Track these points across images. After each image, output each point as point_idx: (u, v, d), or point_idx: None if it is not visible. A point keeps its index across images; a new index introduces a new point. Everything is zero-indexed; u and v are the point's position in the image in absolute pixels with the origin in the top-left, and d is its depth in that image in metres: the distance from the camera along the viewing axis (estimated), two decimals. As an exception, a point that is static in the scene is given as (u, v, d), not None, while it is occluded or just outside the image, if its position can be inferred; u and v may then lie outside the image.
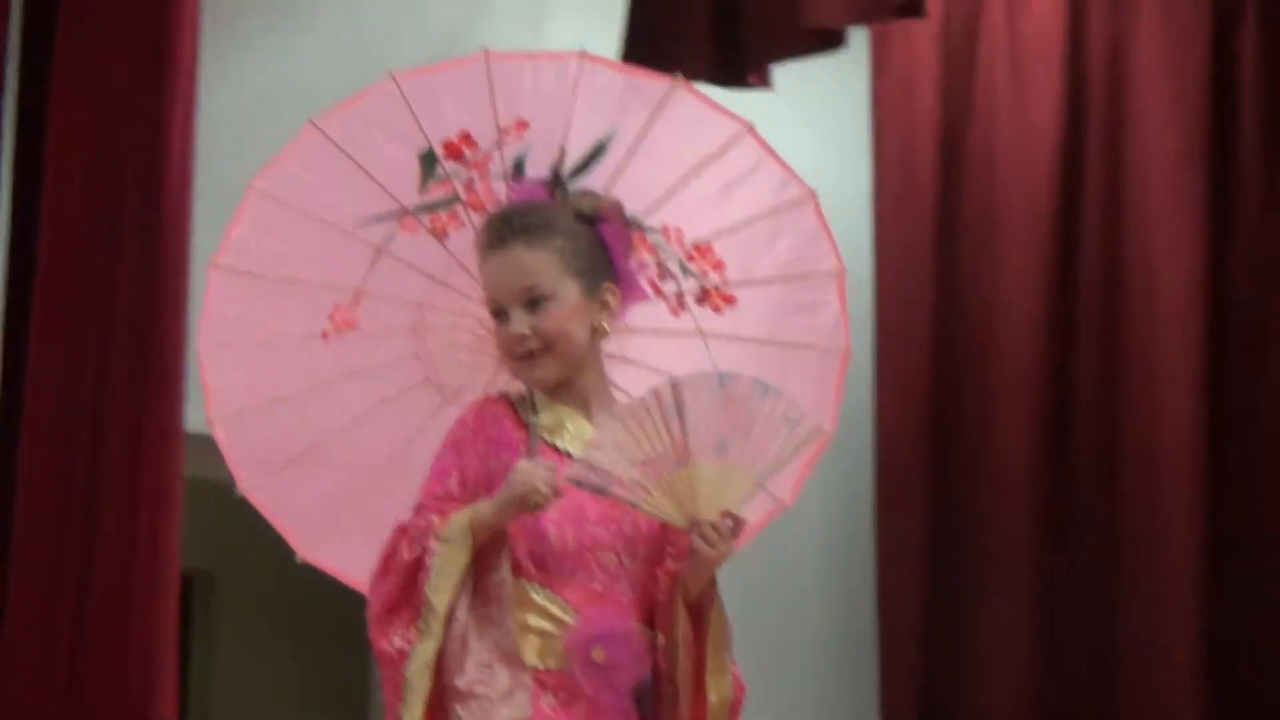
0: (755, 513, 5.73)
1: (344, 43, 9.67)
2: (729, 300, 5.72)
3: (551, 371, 5.37)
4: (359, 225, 5.63)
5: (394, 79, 5.75)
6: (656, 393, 5.24)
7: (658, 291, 5.70)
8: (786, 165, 5.80)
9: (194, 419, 8.22)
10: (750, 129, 5.71)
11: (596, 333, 5.44)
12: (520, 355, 5.36)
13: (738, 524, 5.22)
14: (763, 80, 8.93)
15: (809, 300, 5.80)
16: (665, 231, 5.69)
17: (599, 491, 5.26)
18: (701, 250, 5.71)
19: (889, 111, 9.95)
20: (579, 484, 5.22)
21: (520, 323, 5.34)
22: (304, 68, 9.58)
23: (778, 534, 6.12)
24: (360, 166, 5.73)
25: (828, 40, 8.74)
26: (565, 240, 5.40)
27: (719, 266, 5.72)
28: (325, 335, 5.75)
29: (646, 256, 5.68)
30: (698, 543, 5.18)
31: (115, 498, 8.46)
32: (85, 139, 8.65)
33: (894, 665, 9.97)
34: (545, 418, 5.40)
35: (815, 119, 9.93)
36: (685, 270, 5.71)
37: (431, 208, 5.67)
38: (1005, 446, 9.99)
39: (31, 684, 8.46)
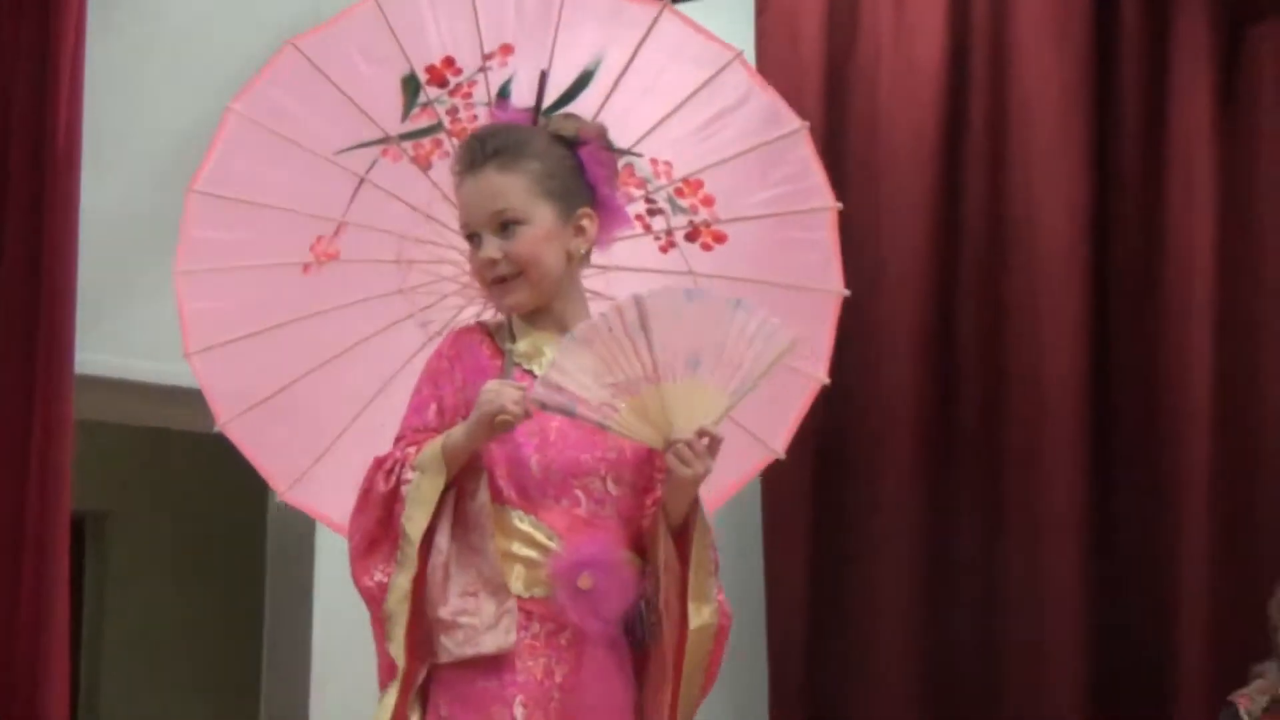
0: (751, 462, 6.03)
1: (223, 17, 9.70)
2: (719, 238, 5.75)
3: (524, 296, 5.37)
4: (340, 152, 5.66)
5: None
6: (619, 309, 5.22)
7: (646, 228, 5.76)
8: (777, 95, 5.83)
9: (86, 361, 8.64)
10: (740, 56, 5.74)
11: (572, 258, 5.43)
12: (492, 280, 5.37)
13: (714, 441, 5.20)
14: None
15: (801, 238, 5.85)
16: (654, 164, 5.73)
17: (564, 412, 5.24)
18: (691, 185, 5.74)
19: (773, 48, 9.92)
20: (543, 406, 5.20)
21: (491, 247, 5.33)
22: (184, 44, 9.60)
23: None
24: (341, 90, 5.74)
25: None
26: (540, 163, 5.38)
27: (709, 202, 5.76)
28: (306, 268, 5.80)
29: (635, 191, 5.73)
30: (673, 462, 5.19)
31: (6, 440, 8.52)
32: None
33: (782, 677, 10.03)
34: (522, 344, 5.39)
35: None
36: (675, 206, 5.75)
37: (415, 135, 5.69)
38: (891, 409, 9.96)
39: None
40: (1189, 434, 9.81)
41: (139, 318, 9.22)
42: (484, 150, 5.40)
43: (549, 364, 5.29)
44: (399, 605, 5.29)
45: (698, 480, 5.25)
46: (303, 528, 9.64)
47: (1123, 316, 9.94)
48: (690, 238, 5.75)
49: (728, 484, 6.02)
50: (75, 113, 8.68)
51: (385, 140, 5.63)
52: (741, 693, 9.74)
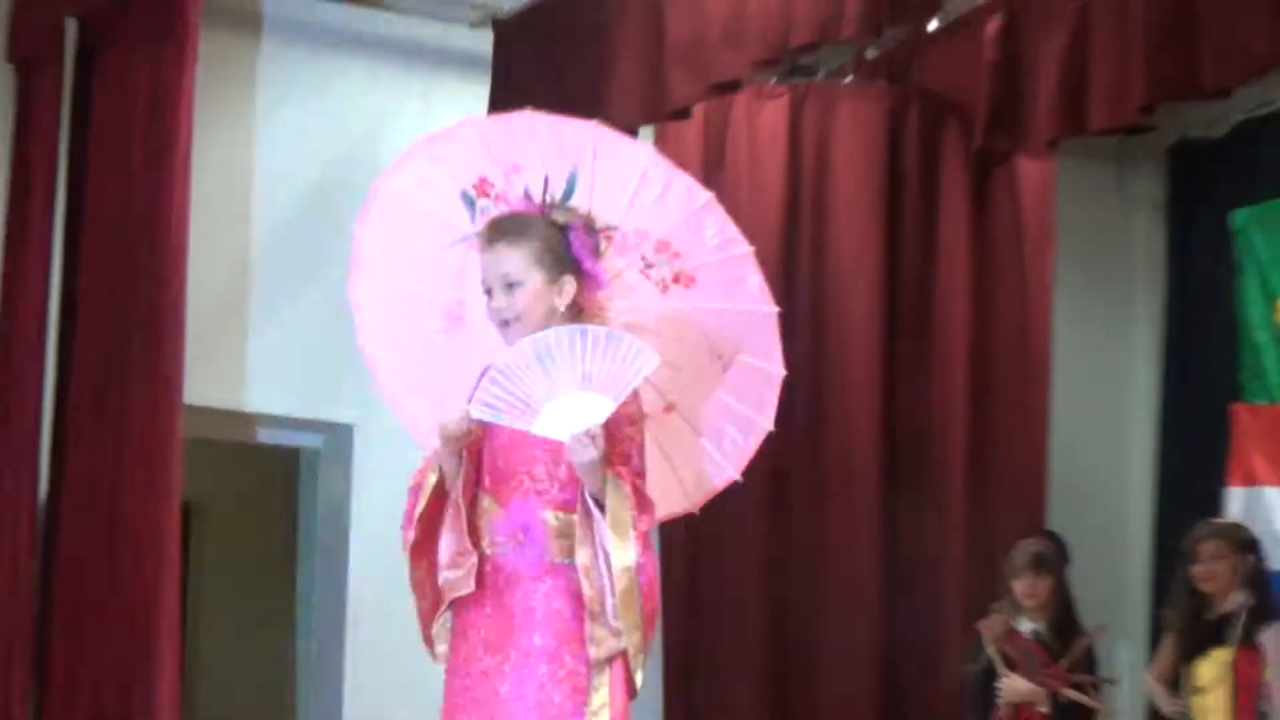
0: (714, 483, 5.93)
1: (294, 133, 9.52)
2: (691, 280, 5.68)
3: (519, 335, 5.43)
4: (450, 244, 5.71)
5: (425, 142, 5.82)
6: (532, 342, 5.30)
7: (648, 278, 5.69)
8: (687, 175, 5.80)
9: (190, 394, 8.71)
10: (653, 150, 5.79)
11: (555, 310, 5.47)
12: (499, 323, 5.47)
13: (595, 435, 5.22)
14: None
15: (738, 275, 5.73)
16: (635, 233, 5.67)
17: (495, 420, 5.34)
18: (661, 244, 5.67)
19: None
20: (480, 418, 5.33)
21: (500, 300, 5.45)
22: (262, 155, 9.44)
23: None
24: (424, 210, 5.78)
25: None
26: (537, 242, 5.47)
27: (677, 256, 5.69)
28: (444, 331, 5.87)
29: (629, 254, 5.69)
30: (574, 449, 5.25)
31: (133, 446, 8.52)
32: (111, 203, 8.69)
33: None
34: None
35: None
36: (659, 261, 5.69)
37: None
38: None
39: (79, 581, 8.51)
40: (951, 459, 9.87)
41: (226, 363, 9.28)
42: (499, 231, 5.52)
43: (481, 383, 5.40)
44: (406, 558, 5.56)
45: (591, 462, 5.28)
46: (339, 512, 9.69)
47: (905, 369, 9.87)
48: (675, 281, 5.67)
49: (707, 492, 6.03)
50: (183, 228, 8.66)
51: (467, 237, 5.64)
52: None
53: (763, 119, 9.84)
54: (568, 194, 5.66)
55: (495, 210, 5.69)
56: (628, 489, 5.38)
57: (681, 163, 9.06)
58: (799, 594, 9.71)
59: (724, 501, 8.85)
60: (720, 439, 5.96)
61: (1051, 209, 10.10)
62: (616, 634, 5.39)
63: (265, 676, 11.22)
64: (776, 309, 5.82)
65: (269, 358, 9.46)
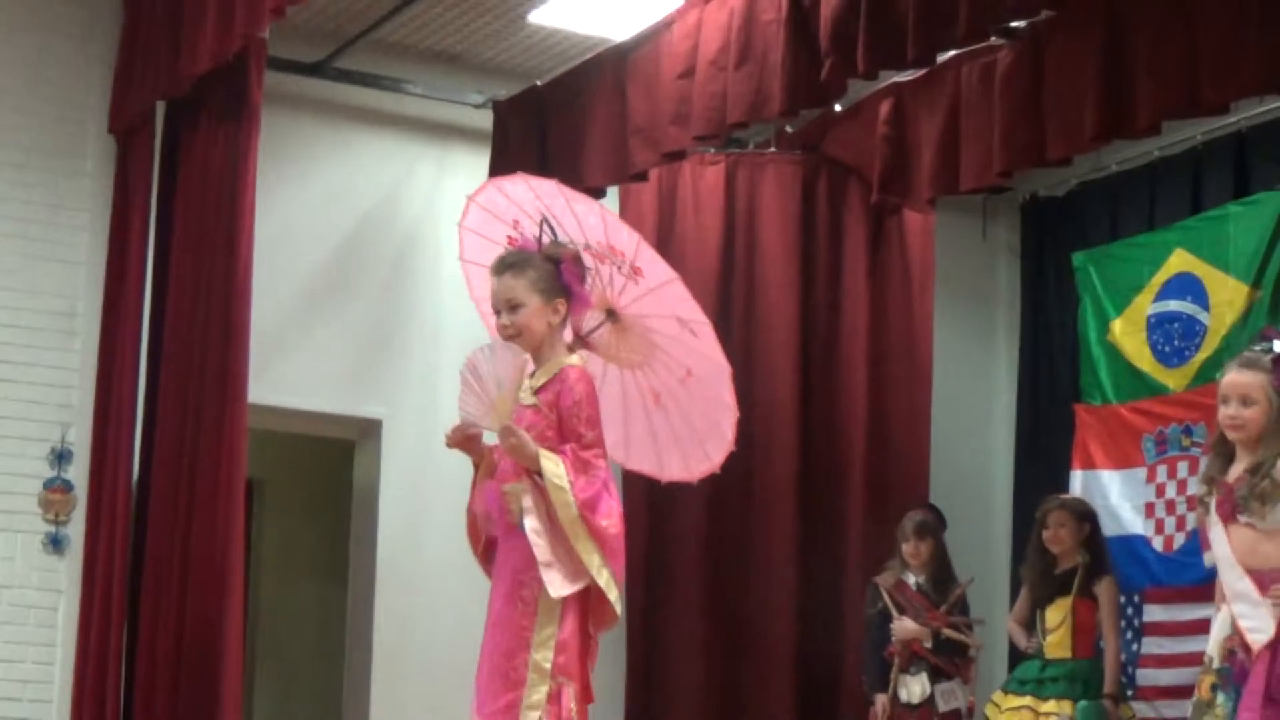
0: (702, 470, 6.15)
1: (333, 192, 9.56)
2: (640, 270, 5.84)
3: (524, 347, 5.58)
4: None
5: (473, 201, 6.10)
6: (467, 362, 5.54)
7: (621, 274, 5.85)
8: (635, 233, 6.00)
9: (253, 394, 8.58)
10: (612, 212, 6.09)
11: (551, 326, 5.60)
12: (506, 337, 5.61)
13: (505, 430, 5.42)
14: None
15: (652, 257, 5.87)
16: (599, 245, 5.85)
17: (475, 426, 5.58)
18: (612, 249, 5.84)
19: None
20: (468, 424, 5.57)
21: (505, 319, 5.60)
22: (308, 208, 9.49)
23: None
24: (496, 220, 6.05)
25: (596, 193, 8.33)
26: (534, 271, 5.59)
27: (623, 255, 5.84)
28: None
29: (604, 260, 5.85)
30: (502, 440, 5.47)
31: (208, 435, 8.43)
32: (192, 245, 8.67)
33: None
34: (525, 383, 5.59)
35: None
36: (619, 263, 5.85)
37: None
38: None
39: (166, 544, 8.48)
40: (853, 448, 9.79)
41: (282, 371, 9.26)
42: (504, 263, 5.67)
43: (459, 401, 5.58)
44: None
45: (510, 449, 5.45)
46: (371, 490, 9.62)
47: (817, 377, 9.81)
48: (635, 272, 5.82)
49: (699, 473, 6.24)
50: (248, 261, 8.44)
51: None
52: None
53: (704, 181, 9.81)
54: (554, 233, 5.80)
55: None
56: (562, 459, 5.45)
57: (639, 215, 9.39)
58: (732, 561, 9.63)
59: (676, 510, 9.11)
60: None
61: (931, 251, 10.06)
62: (575, 577, 5.43)
63: (317, 620, 11.15)
64: (675, 275, 5.95)
65: (315, 365, 9.46)
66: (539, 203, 5.96)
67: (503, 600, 5.58)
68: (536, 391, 5.63)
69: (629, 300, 5.99)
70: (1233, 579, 5.90)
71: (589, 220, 5.94)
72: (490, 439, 5.75)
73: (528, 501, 5.48)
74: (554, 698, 5.47)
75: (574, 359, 5.72)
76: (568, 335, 5.88)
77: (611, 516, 5.56)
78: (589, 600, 5.57)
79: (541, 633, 5.50)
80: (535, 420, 5.58)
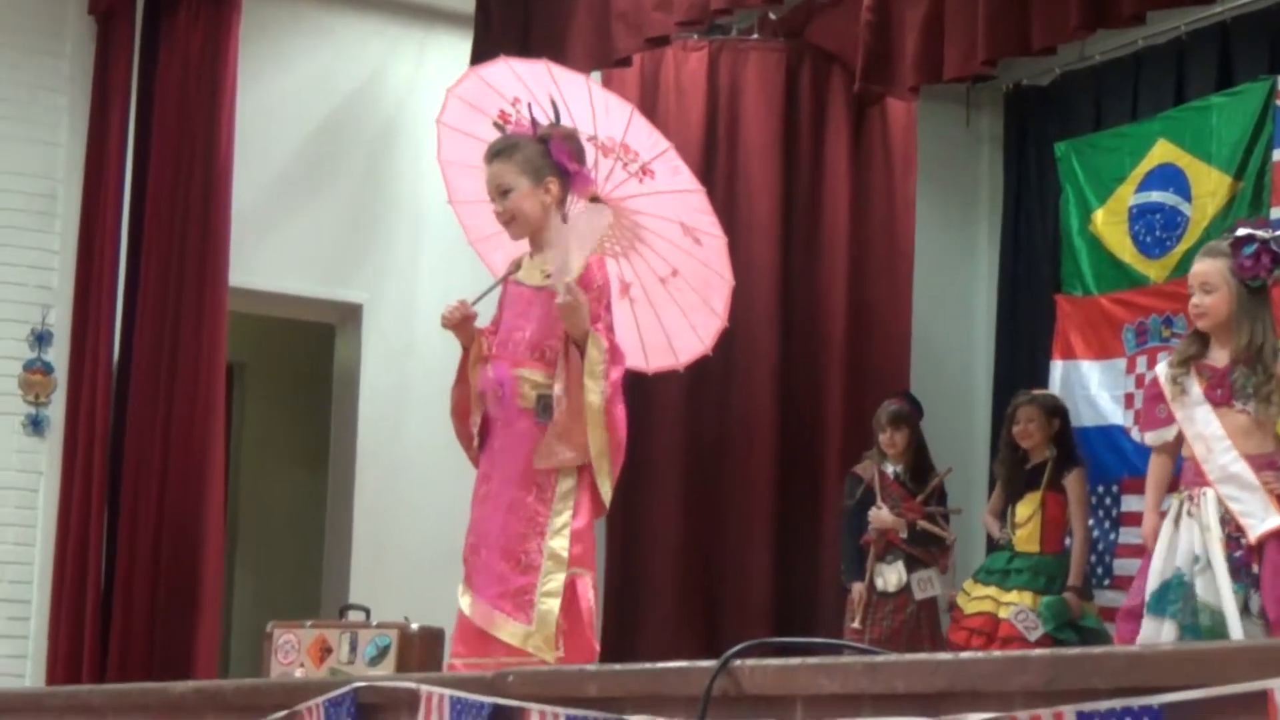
0: (662, 364, 6.21)
1: (314, 74, 9.55)
2: (651, 172, 5.85)
3: (517, 230, 5.60)
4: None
5: (474, 73, 6.11)
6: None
7: (628, 173, 5.82)
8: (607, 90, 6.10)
9: (234, 278, 8.81)
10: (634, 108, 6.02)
11: (546, 207, 5.53)
12: (502, 222, 5.62)
13: (571, 288, 5.33)
14: None
15: (674, 164, 5.92)
16: (608, 140, 5.82)
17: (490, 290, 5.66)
18: (624, 147, 5.79)
19: None
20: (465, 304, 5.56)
21: (498, 204, 5.56)
22: (289, 91, 9.47)
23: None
24: (471, 134, 5.98)
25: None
26: (521, 154, 5.53)
27: (636, 155, 5.81)
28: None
29: (611, 156, 5.82)
30: (560, 298, 5.34)
31: (188, 318, 8.63)
32: (173, 129, 8.77)
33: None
34: (524, 266, 5.59)
35: None
36: (627, 161, 5.82)
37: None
38: (663, 420, 9.41)
39: (147, 427, 8.61)
40: (833, 335, 9.78)
41: (262, 254, 9.26)
42: (493, 150, 5.62)
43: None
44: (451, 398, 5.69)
45: (568, 307, 5.33)
46: (351, 374, 9.66)
47: (799, 265, 9.79)
48: (644, 173, 5.81)
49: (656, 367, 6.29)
50: (230, 144, 8.72)
51: None
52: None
53: (687, 68, 9.81)
54: (557, 116, 5.73)
55: (515, 121, 5.80)
56: (605, 343, 5.40)
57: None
58: (710, 449, 9.67)
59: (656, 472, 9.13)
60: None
61: (914, 140, 10.08)
62: (576, 449, 5.38)
63: (296, 503, 11.21)
64: (703, 188, 6.04)
65: (296, 250, 9.48)
66: (551, 86, 5.90)
67: (515, 485, 5.51)
68: (548, 275, 5.57)
69: (624, 195, 5.95)
70: (1227, 460, 5.95)
71: (609, 117, 5.92)
72: (482, 322, 5.76)
73: (560, 370, 5.42)
74: (570, 587, 5.40)
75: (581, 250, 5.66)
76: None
77: (621, 412, 5.54)
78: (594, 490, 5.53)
79: (557, 519, 5.45)
80: (533, 301, 5.55)
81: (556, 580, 5.37)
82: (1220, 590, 5.90)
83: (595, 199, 5.86)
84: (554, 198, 5.58)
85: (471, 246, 6.32)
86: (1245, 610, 5.87)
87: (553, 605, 5.35)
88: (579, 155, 5.67)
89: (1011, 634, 8.08)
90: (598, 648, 5.51)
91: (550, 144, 5.59)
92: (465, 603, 5.51)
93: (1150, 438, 6.36)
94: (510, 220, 5.60)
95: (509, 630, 5.37)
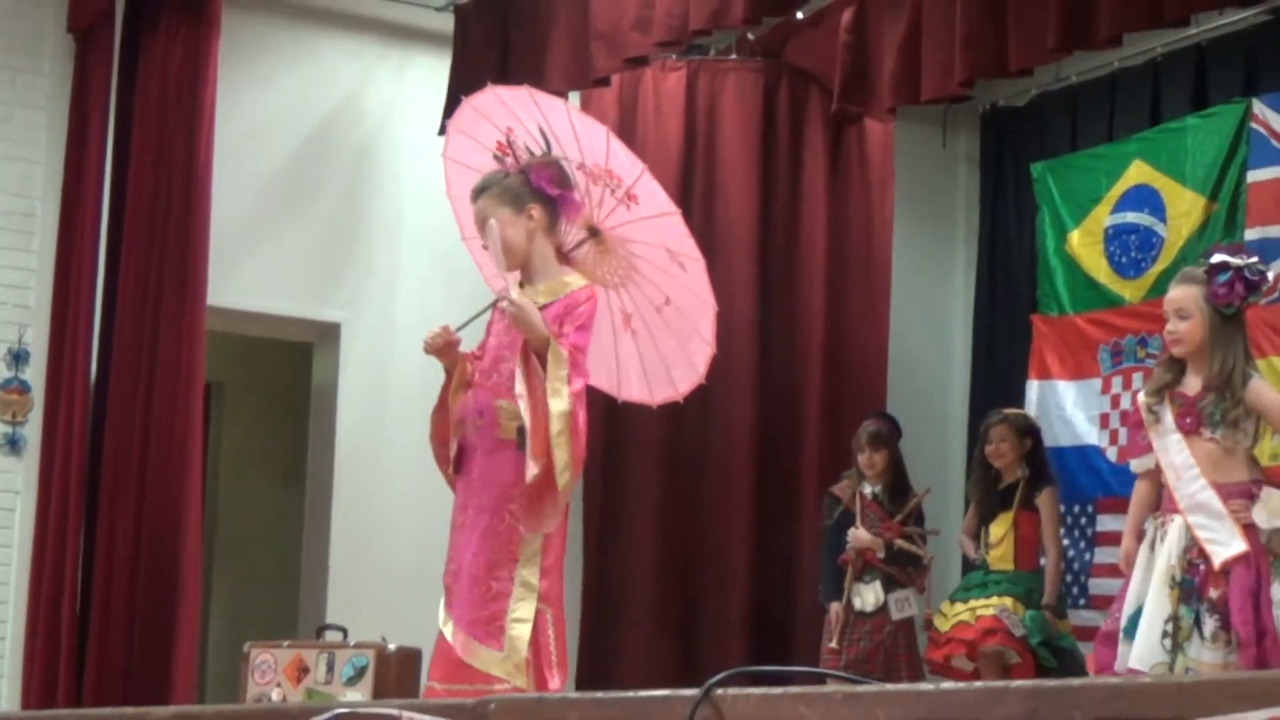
0: (664, 395, 6.20)
1: (294, 93, 9.48)
2: (635, 197, 5.85)
3: (500, 259, 5.61)
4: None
5: (467, 104, 6.07)
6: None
7: (615, 198, 5.83)
8: (583, 113, 6.09)
9: (212, 297, 8.77)
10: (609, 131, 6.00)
11: (531, 234, 5.60)
12: (490, 251, 5.65)
13: (511, 302, 5.45)
14: None
15: (651, 188, 5.90)
16: (594, 166, 5.83)
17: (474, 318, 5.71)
18: (608, 173, 5.79)
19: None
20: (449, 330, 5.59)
21: (483, 238, 5.65)
22: (269, 110, 9.43)
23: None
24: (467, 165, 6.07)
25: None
26: (498, 186, 5.63)
27: (620, 180, 5.80)
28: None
29: (599, 182, 5.83)
30: (509, 306, 5.46)
31: (166, 337, 8.57)
32: (152, 147, 8.73)
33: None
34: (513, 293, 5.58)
35: None
36: (613, 186, 5.81)
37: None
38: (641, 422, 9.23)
39: (124, 445, 8.56)
40: (810, 355, 9.79)
41: (241, 273, 9.22)
42: (477, 189, 5.70)
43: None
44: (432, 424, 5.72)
45: (516, 320, 5.41)
46: (329, 393, 9.61)
47: (776, 285, 9.79)
48: (629, 198, 5.82)
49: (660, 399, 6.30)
50: (209, 160, 8.70)
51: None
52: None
53: (665, 88, 9.82)
54: (548, 145, 5.80)
55: (510, 159, 5.83)
56: (564, 353, 5.40)
57: (600, 121, 9.03)
58: (688, 469, 9.65)
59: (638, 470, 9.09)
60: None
61: (891, 160, 10.08)
62: (540, 457, 5.36)
63: (274, 522, 11.16)
64: (678, 209, 6.04)
65: (274, 269, 9.45)
66: (537, 113, 5.91)
67: (489, 513, 5.54)
68: (542, 309, 5.57)
69: (615, 223, 5.96)
70: (1195, 489, 5.96)
71: (590, 141, 5.90)
72: (468, 347, 5.76)
73: (521, 381, 5.43)
74: (538, 616, 5.45)
75: (582, 280, 5.69)
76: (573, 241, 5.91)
77: (583, 423, 5.54)
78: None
79: (528, 548, 5.48)
80: (510, 332, 5.56)
81: (527, 607, 5.42)
82: (1145, 615, 5.94)
83: (594, 230, 5.90)
84: (538, 223, 5.62)
85: (488, 285, 6.30)
86: (1199, 635, 5.86)
87: (523, 631, 5.40)
88: (560, 180, 5.72)
89: (995, 625, 8.11)
90: (553, 686, 5.48)
91: (530, 172, 5.66)
92: (447, 630, 5.54)
93: (1134, 465, 6.34)
94: (496, 252, 5.62)
95: (483, 658, 5.41)
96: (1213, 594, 5.90)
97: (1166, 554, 5.99)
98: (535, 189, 5.65)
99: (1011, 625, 8.10)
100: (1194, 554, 5.95)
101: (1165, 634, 5.90)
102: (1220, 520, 5.91)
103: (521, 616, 5.41)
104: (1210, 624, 5.88)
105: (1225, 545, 5.88)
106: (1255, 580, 5.86)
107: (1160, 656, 5.85)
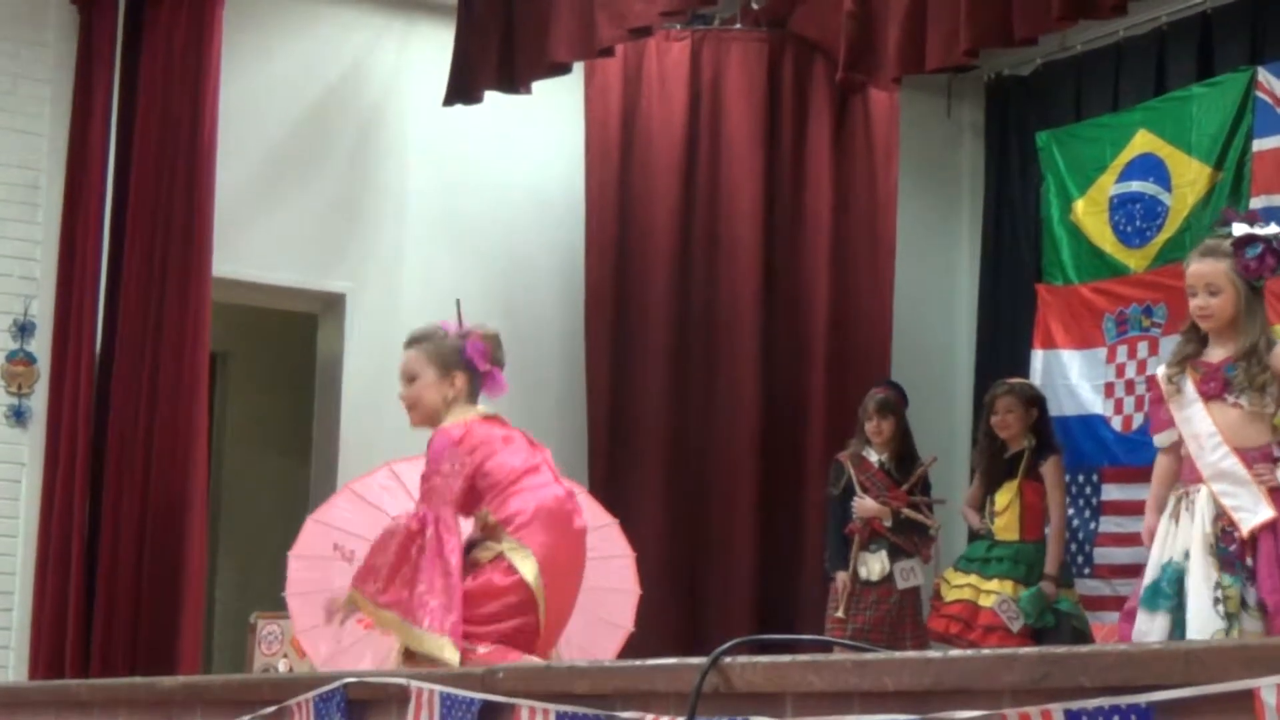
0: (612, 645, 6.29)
1: (296, 63, 9.51)
2: None
3: (417, 418, 5.63)
4: None
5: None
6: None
7: None
8: None
9: (217, 268, 8.82)
10: None
11: (448, 400, 5.53)
12: (405, 407, 5.65)
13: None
14: (527, 89, 8.94)
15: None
16: None
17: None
18: None
19: (593, 106, 9.71)
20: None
21: (402, 390, 5.66)
22: (272, 81, 9.45)
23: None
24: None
25: (562, 68, 8.81)
26: (432, 345, 5.58)
27: None
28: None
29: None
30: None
31: (171, 308, 8.64)
32: (156, 118, 8.76)
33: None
34: None
35: (557, 110, 9.68)
36: None
37: None
38: (648, 401, 9.57)
39: (130, 416, 8.60)
40: (815, 323, 9.85)
41: (246, 244, 9.24)
42: (410, 338, 5.68)
43: None
44: None
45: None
46: (334, 364, 9.65)
47: (781, 251, 9.87)
48: None
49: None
50: (213, 132, 8.75)
51: None
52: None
53: (670, 57, 9.84)
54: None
55: None
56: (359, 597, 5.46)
57: (605, 91, 9.52)
58: (695, 438, 9.69)
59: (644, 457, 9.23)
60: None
61: (896, 130, 10.10)
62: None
63: (279, 493, 11.14)
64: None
65: (279, 239, 9.47)
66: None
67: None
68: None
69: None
70: (1218, 458, 5.92)
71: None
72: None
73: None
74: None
75: (451, 418, 5.59)
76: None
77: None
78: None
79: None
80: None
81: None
82: (1191, 586, 5.89)
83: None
84: (458, 393, 5.56)
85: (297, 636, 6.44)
86: (1243, 604, 5.82)
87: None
88: (493, 357, 5.64)
89: (994, 623, 8.08)
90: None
91: (467, 341, 5.59)
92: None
93: (1157, 439, 6.29)
94: (411, 407, 5.62)
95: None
96: (1249, 562, 5.87)
97: (1200, 523, 5.93)
98: (466, 359, 5.59)
99: (1010, 620, 8.07)
100: (1225, 522, 5.90)
101: (1217, 599, 5.83)
102: (1245, 486, 5.87)
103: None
104: (1252, 594, 5.84)
105: (1252, 512, 5.84)
106: None
107: (1218, 623, 5.79)
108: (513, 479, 5.48)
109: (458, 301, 5.72)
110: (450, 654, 5.14)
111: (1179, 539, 6.01)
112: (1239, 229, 5.95)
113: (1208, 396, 5.95)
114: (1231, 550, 5.88)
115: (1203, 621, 5.81)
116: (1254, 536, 5.85)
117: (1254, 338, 5.91)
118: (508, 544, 5.37)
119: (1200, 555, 5.90)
